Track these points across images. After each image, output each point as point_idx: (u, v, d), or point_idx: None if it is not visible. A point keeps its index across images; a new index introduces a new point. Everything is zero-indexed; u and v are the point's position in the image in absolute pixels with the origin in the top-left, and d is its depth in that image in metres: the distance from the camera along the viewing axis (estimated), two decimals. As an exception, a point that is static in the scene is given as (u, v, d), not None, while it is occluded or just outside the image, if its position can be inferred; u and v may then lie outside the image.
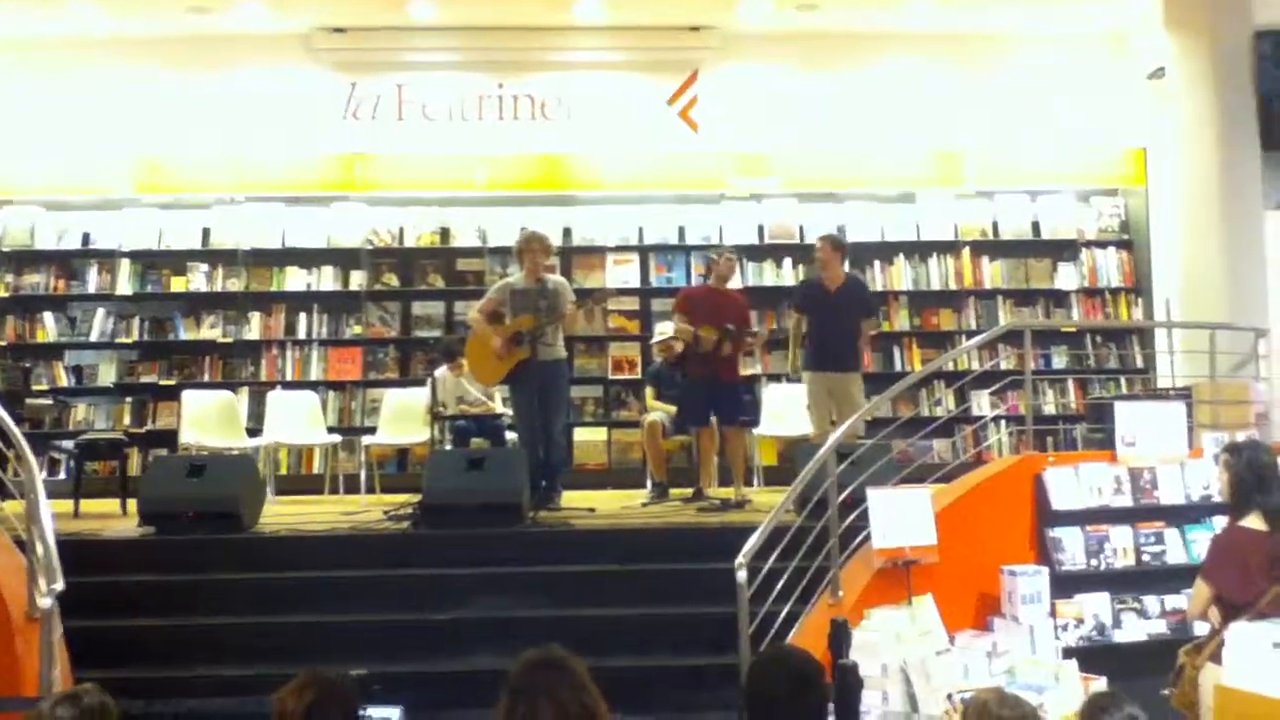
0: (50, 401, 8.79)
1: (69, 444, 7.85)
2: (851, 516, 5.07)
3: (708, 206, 9.53)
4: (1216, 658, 3.98)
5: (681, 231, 9.53)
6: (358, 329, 9.28)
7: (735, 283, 8.80)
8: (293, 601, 5.59)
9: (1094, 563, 5.40)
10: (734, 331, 7.08)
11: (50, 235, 9.28)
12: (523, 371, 6.77)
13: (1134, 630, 5.33)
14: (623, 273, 9.38)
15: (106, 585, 5.47)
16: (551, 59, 9.55)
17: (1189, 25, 7.51)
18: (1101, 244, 9.60)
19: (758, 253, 9.44)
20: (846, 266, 7.51)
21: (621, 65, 9.55)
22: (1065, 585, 5.28)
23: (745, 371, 8.25)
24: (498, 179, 9.27)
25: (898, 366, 9.17)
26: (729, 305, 7.32)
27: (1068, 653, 4.98)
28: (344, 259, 9.35)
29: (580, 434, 9.07)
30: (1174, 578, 5.39)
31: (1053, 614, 5.11)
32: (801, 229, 9.48)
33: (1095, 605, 5.31)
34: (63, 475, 8.45)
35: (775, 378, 9.19)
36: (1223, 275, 7.17)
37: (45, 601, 4.41)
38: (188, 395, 8.27)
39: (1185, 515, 5.60)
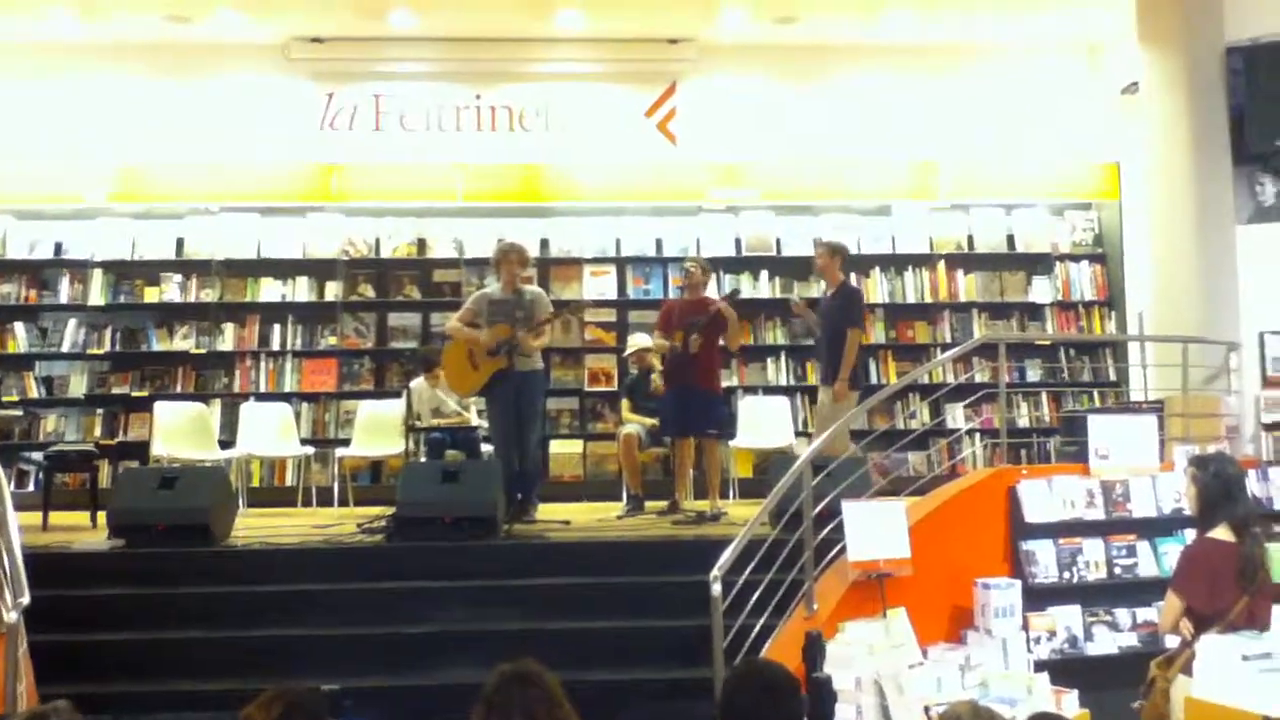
0: (20, 413, 8.71)
1: (38, 455, 7.75)
2: (827, 529, 5.08)
3: (685, 218, 9.55)
4: (1187, 670, 4.00)
5: (659, 243, 9.54)
6: (333, 340, 9.23)
7: (712, 292, 8.81)
8: (264, 615, 5.53)
9: (1066, 575, 5.42)
10: (697, 322, 6.99)
11: (22, 245, 9.20)
12: (499, 383, 6.75)
13: (1106, 643, 5.35)
14: (600, 284, 9.36)
15: (75, 599, 5.40)
16: (530, 70, 9.55)
17: (1162, 40, 7.58)
18: (1075, 257, 9.66)
19: (735, 265, 9.44)
20: (846, 273, 7.49)
21: (600, 76, 9.57)
22: (1038, 598, 5.30)
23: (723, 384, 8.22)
24: (475, 190, 9.24)
25: (873, 379, 9.15)
26: (705, 313, 7.18)
27: (1040, 665, 4.99)
28: (319, 270, 9.31)
29: (556, 446, 9.04)
30: (1145, 590, 5.43)
31: (1025, 627, 5.14)
32: (779, 241, 9.52)
33: (1067, 618, 5.34)
34: (31, 487, 8.36)
35: (751, 389, 9.20)
36: (1195, 289, 7.21)
37: (11, 616, 4.34)
38: (160, 407, 8.20)
39: (1156, 528, 5.63)
